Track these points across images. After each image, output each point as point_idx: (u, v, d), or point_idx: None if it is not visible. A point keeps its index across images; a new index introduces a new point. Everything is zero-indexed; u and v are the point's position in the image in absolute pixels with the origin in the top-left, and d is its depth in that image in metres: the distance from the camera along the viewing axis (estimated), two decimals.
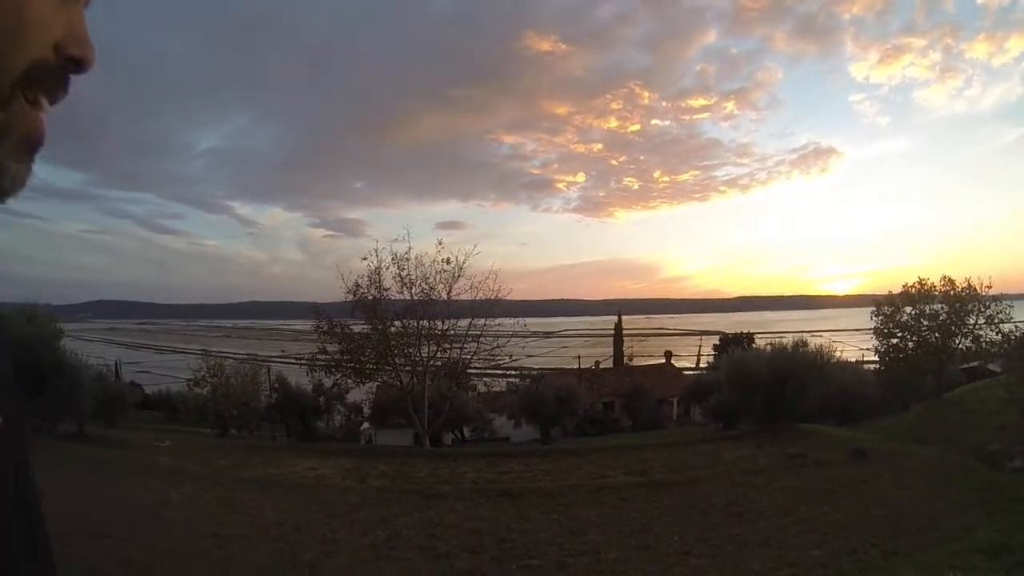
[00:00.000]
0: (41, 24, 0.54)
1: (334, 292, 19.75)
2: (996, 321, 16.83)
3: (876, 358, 21.05)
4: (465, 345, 20.52)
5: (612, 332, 57.92)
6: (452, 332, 20.08)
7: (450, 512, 9.28)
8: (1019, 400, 11.92)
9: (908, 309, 18.02)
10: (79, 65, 0.58)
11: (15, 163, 0.57)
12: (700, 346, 64.34)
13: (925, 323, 17.62)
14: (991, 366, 19.49)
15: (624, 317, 59.94)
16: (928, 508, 8.22)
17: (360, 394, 27.90)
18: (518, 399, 26.32)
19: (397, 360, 20.09)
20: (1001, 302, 17.03)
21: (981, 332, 17.14)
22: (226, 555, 6.78)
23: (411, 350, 19.97)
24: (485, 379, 30.60)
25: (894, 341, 18.50)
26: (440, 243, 19.36)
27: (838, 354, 19.77)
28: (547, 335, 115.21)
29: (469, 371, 24.35)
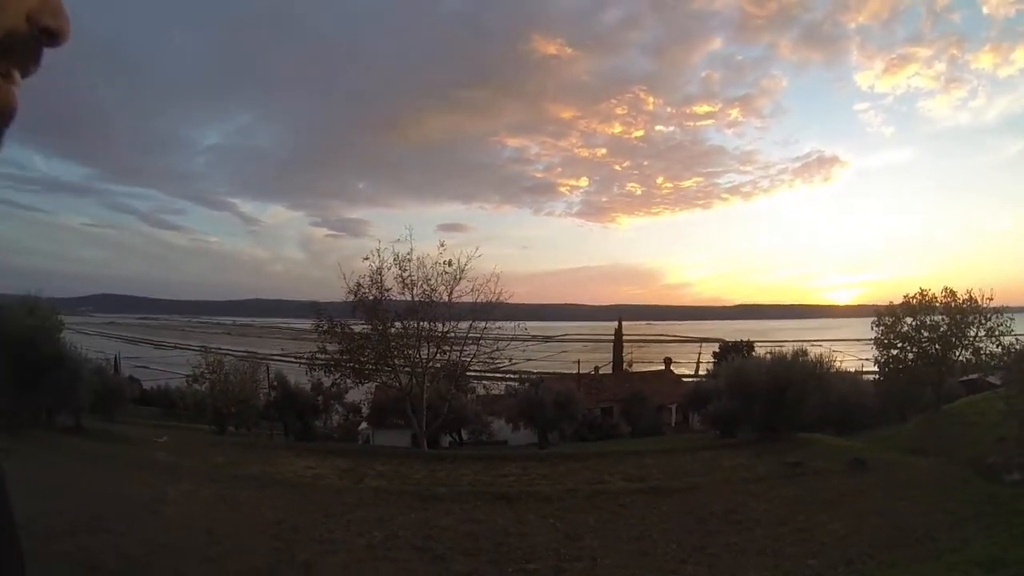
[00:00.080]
0: None
1: (335, 291, 19.75)
2: (997, 333, 16.81)
3: (876, 368, 21.01)
4: (465, 347, 20.50)
5: (612, 337, 57.80)
6: (452, 334, 20.07)
7: (447, 514, 9.26)
8: (1018, 413, 11.89)
9: (909, 320, 18.00)
10: (53, 37, 0.56)
11: None
12: (700, 353, 64.27)
13: (925, 334, 17.58)
14: (990, 379, 19.46)
15: (624, 323, 59.84)
16: (926, 520, 8.19)
17: (359, 394, 27.84)
18: (517, 403, 26.28)
19: (396, 361, 20.08)
20: (1002, 314, 17.00)
21: (981, 344, 17.12)
22: (222, 552, 6.77)
23: (411, 351, 19.96)
24: (484, 382, 30.59)
25: (894, 352, 18.47)
26: (442, 245, 19.36)
27: (838, 364, 19.76)
28: (547, 339, 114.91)
29: (468, 374, 24.33)
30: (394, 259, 18.90)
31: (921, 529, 7.81)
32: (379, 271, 19.00)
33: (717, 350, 45.29)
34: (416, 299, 19.14)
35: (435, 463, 14.35)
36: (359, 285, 19.13)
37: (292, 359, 42.56)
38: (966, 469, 10.90)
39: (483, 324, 19.84)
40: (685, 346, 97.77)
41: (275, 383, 27.30)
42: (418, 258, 19.01)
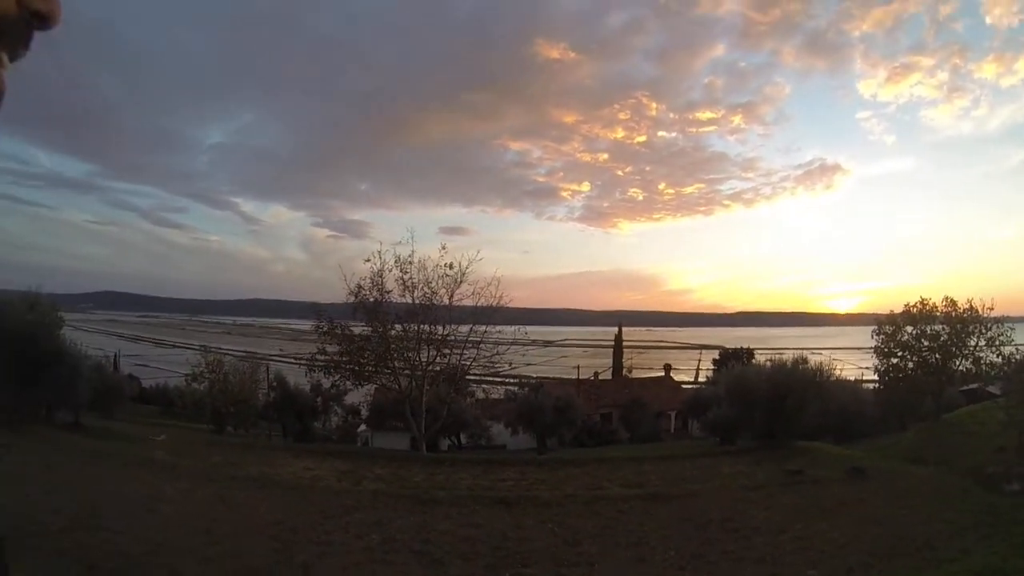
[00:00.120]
0: None
1: (336, 293, 19.77)
2: (997, 343, 16.79)
3: (876, 377, 20.99)
4: (465, 351, 20.49)
5: (612, 343, 57.77)
6: (452, 337, 20.06)
7: (445, 518, 9.24)
8: (1018, 423, 11.88)
9: (909, 329, 17.98)
10: (44, 20, 0.56)
11: None
12: (700, 360, 64.24)
13: (926, 343, 17.57)
14: (990, 388, 19.44)
15: (625, 329, 59.85)
16: (925, 529, 8.17)
17: (358, 396, 27.81)
18: (516, 407, 26.28)
19: (396, 363, 20.06)
20: (1003, 324, 17.00)
21: (982, 354, 17.09)
22: (220, 552, 6.76)
23: (411, 354, 19.94)
24: (484, 386, 30.58)
25: (894, 360, 18.45)
26: (443, 248, 19.37)
27: (838, 372, 19.76)
28: (547, 344, 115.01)
29: (468, 377, 24.31)
30: (395, 261, 18.92)
31: (921, 538, 7.78)
32: (380, 273, 19.02)
33: (717, 357, 45.32)
34: (417, 302, 19.14)
35: (434, 466, 14.33)
36: (360, 287, 19.16)
37: (292, 360, 42.66)
38: (966, 479, 10.87)
39: (483, 328, 19.83)
40: (685, 352, 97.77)
41: (274, 384, 27.29)
42: (419, 260, 19.04)
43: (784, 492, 10.92)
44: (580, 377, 40.11)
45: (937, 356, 17.40)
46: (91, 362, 17.90)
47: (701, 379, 50.44)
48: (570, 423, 25.49)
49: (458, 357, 20.68)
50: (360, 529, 8.38)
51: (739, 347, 43.99)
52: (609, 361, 56.74)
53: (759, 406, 16.39)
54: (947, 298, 17.60)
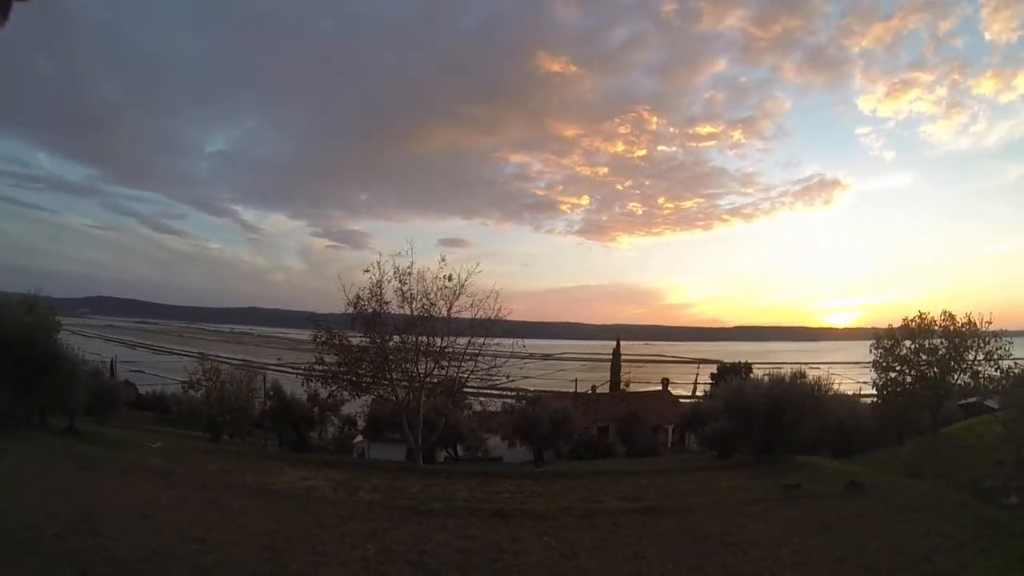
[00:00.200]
0: None
1: (334, 303, 19.74)
2: (995, 357, 16.81)
3: (873, 391, 20.97)
4: (463, 363, 20.45)
5: (610, 357, 57.72)
6: (450, 349, 20.03)
7: (441, 529, 9.18)
8: (1017, 437, 11.88)
9: (907, 343, 17.98)
10: None
11: None
12: (697, 374, 64.23)
13: (924, 357, 17.56)
14: (988, 402, 19.44)
15: (623, 343, 59.77)
16: (923, 543, 8.14)
17: (355, 407, 27.73)
18: (513, 420, 26.22)
19: (394, 374, 20.00)
20: (1001, 338, 17.02)
21: (980, 368, 17.10)
22: (214, 560, 6.71)
23: (409, 365, 19.90)
24: (481, 398, 30.50)
25: (892, 375, 18.43)
26: (443, 259, 19.38)
27: (836, 387, 19.75)
28: (545, 357, 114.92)
29: (465, 389, 24.25)
30: (394, 272, 18.90)
31: (919, 553, 7.76)
32: (379, 284, 18.98)
33: (715, 371, 45.33)
34: (415, 313, 19.13)
35: (430, 478, 14.26)
36: (358, 297, 19.12)
37: (289, 369, 42.57)
38: (964, 492, 10.86)
39: (481, 340, 19.81)
40: (683, 367, 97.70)
41: (271, 393, 27.19)
42: (418, 272, 19.01)
43: (782, 506, 10.88)
44: (578, 391, 40.09)
45: (935, 370, 17.39)
46: (87, 367, 17.84)
47: (699, 393, 50.42)
48: (567, 436, 25.42)
49: (456, 369, 20.64)
50: (356, 539, 8.32)
51: (737, 361, 44.01)
52: (607, 375, 56.68)
53: (757, 420, 16.37)
54: (945, 312, 17.65)
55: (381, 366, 19.99)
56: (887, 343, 18.40)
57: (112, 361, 42.75)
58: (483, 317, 19.25)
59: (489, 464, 24.53)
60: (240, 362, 45.24)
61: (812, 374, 18.32)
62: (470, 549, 8.22)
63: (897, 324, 18.45)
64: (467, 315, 19.34)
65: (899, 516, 9.69)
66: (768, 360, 72.37)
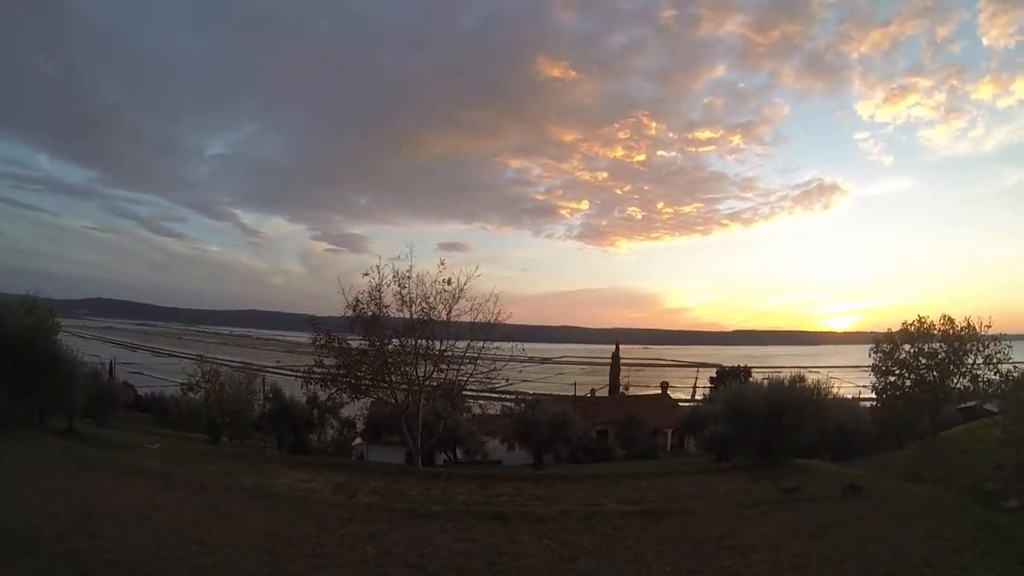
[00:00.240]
0: None
1: (333, 306, 19.78)
2: (995, 361, 16.82)
3: (873, 395, 20.98)
4: (462, 366, 20.44)
5: (609, 361, 57.71)
6: (450, 353, 20.04)
7: (441, 532, 9.18)
8: (1016, 440, 11.88)
9: (907, 347, 18.01)
10: None
11: None
12: (696, 378, 64.23)
13: (923, 361, 17.58)
14: (988, 406, 19.43)
15: (622, 346, 59.78)
16: (923, 546, 8.14)
17: (354, 409, 27.70)
18: (512, 423, 26.17)
19: (393, 377, 20.01)
20: (1000, 342, 17.02)
21: (979, 372, 17.11)
22: (213, 562, 6.71)
23: (408, 368, 19.90)
24: (480, 402, 30.48)
25: (892, 378, 18.45)
26: (442, 263, 19.40)
27: (835, 390, 19.74)
28: (544, 361, 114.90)
29: (465, 393, 24.23)
30: (393, 276, 18.94)
31: (918, 556, 7.76)
32: (378, 287, 19.04)
33: (714, 375, 45.29)
34: (414, 317, 19.14)
35: (429, 481, 14.26)
36: (358, 300, 19.15)
37: (288, 372, 42.54)
38: (963, 496, 10.87)
39: (481, 344, 19.82)
40: (682, 370, 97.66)
41: (270, 395, 27.17)
42: (417, 276, 19.06)
43: (781, 510, 10.87)
44: (577, 394, 40.08)
45: (935, 374, 17.41)
46: (86, 368, 17.84)
47: (698, 397, 50.38)
48: (566, 439, 25.38)
49: (455, 372, 20.63)
50: (355, 542, 8.32)
51: (736, 365, 44.00)
52: (606, 378, 56.67)
53: (756, 424, 16.36)
54: (945, 316, 17.68)
55: (380, 369, 20.00)
56: (886, 347, 18.42)
57: (111, 363, 42.67)
58: (482, 321, 19.29)
59: (488, 467, 24.49)
60: (239, 364, 45.17)
61: (811, 378, 18.31)
62: (469, 552, 8.22)
63: (896, 328, 18.48)
64: (466, 319, 19.39)
65: (898, 520, 9.69)
66: (767, 364, 72.32)
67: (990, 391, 17.21)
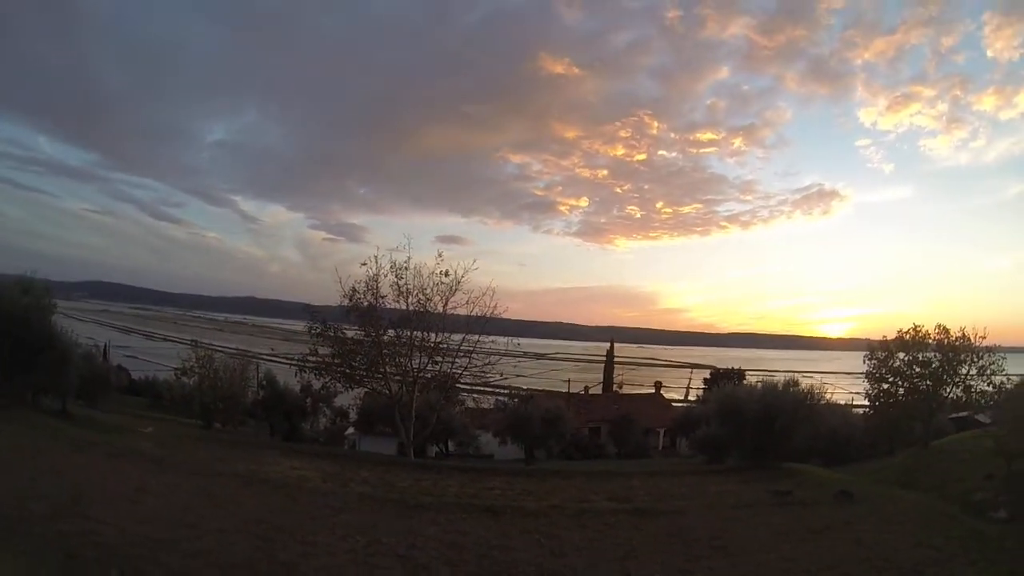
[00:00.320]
0: None
1: (330, 295, 19.77)
2: (988, 372, 16.87)
3: (866, 402, 21.02)
4: (457, 359, 20.46)
5: (604, 358, 57.82)
6: (445, 345, 20.06)
7: (431, 524, 9.18)
8: (1007, 451, 11.94)
9: (901, 355, 18.02)
10: None
11: None
12: (690, 378, 64.38)
13: (917, 370, 17.61)
14: (979, 417, 19.51)
15: (617, 345, 59.97)
16: (912, 554, 8.18)
17: (347, 399, 27.71)
18: (505, 417, 26.21)
19: (388, 368, 20.03)
20: (994, 353, 17.06)
21: (972, 382, 17.15)
22: (204, 547, 6.69)
23: (403, 360, 19.91)
24: (474, 395, 30.53)
25: (885, 386, 18.49)
26: (440, 256, 19.39)
27: (828, 396, 19.83)
28: (539, 357, 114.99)
29: (459, 386, 24.27)
30: (391, 267, 18.94)
31: (907, 563, 7.79)
32: (375, 278, 19.03)
33: (708, 376, 45.40)
34: (411, 308, 19.13)
35: (421, 472, 14.26)
36: (354, 290, 19.14)
37: (283, 359, 42.47)
38: (953, 505, 10.92)
39: (476, 337, 19.83)
40: (676, 371, 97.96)
41: (264, 382, 27.14)
42: (415, 267, 19.05)
43: (772, 513, 10.90)
44: (571, 391, 40.15)
45: (928, 383, 17.44)
46: (81, 350, 17.79)
47: (691, 398, 50.53)
48: (559, 436, 25.42)
49: (450, 365, 20.67)
50: (345, 531, 8.31)
51: (730, 367, 44.09)
52: (600, 376, 56.82)
53: (749, 426, 16.39)
54: (940, 326, 17.67)
55: (375, 359, 20.01)
56: (881, 354, 18.44)
57: (105, 345, 42.62)
58: (478, 314, 19.31)
59: (480, 460, 24.54)
60: (234, 351, 45.13)
61: (805, 383, 18.35)
62: (459, 544, 8.22)
63: (891, 336, 18.51)
64: (462, 312, 19.41)
65: (889, 526, 9.72)
66: (761, 367, 72.63)
67: (983, 402, 17.28)
